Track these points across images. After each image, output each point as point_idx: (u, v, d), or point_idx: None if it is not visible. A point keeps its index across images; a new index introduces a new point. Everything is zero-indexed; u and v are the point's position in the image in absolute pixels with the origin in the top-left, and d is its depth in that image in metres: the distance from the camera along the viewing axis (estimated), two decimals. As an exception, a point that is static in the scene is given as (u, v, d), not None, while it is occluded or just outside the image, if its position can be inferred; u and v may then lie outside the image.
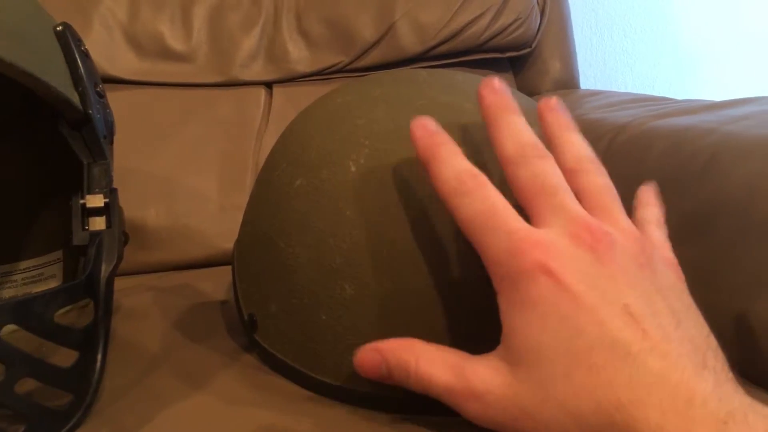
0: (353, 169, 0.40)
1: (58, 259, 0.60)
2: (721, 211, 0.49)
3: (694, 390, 0.27)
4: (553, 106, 0.37)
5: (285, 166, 0.44)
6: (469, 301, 0.38)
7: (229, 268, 0.71)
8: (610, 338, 0.29)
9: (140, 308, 0.57)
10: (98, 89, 0.47)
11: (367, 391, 0.39)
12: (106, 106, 0.48)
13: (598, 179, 0.35)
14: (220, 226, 0.77)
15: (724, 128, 0.55)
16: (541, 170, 0.33)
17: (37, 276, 0.59)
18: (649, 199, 0.41)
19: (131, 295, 0.61)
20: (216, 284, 0.63)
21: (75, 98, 0.44)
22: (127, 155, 0.77)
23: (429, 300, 0.38)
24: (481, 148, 0.40)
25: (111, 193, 0.44)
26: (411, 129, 0.36)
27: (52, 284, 0.59)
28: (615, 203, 0.34)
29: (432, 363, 0.34)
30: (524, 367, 0.30)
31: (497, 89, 0.36)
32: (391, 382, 0.35)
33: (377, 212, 0.39)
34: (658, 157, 0.57)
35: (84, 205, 0.43)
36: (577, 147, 0.36)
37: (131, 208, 0.74)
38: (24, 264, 0.59)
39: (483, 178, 0.33)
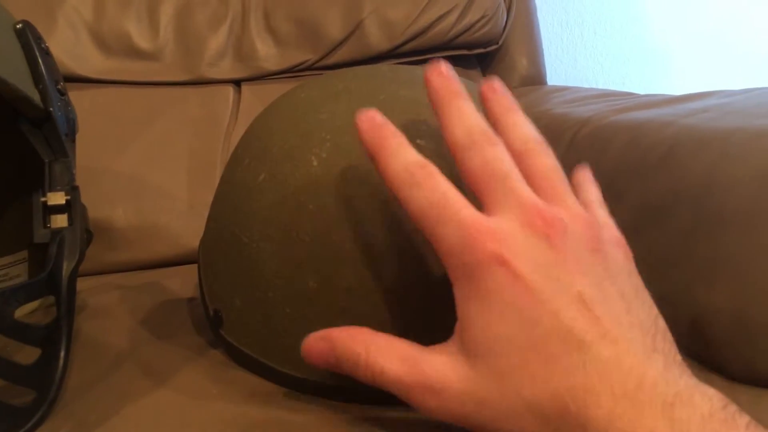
0: (315, 163, 0.41)
1: (23, 259, 0.59)
2: (677, 202, 0.50)
3: (644, 374, 0.28)
4: (496, 87, 0.37)
5: (248, 161, 0.45)
6: (431, 294, 0.38)
7: (195, 266, 0.72)
8: (564, 328, 0.29)
9: (106, 307, 0.56)
10: (59, 87, 0.47)
11: (335, 383, 0.40)
12: (67, 104, 0.48)
13: (546, 160, 0.34)
14: (189, 224, 0.77)
15: (682, 121, 0.56)
16: (491, 156, 0.33)
17: (2, 276, 0.58)
18: (585, 178, 0.41)
19: (97, 294, 0.60)
20: (183, 282, 0.63)
21: (35, 96, 0.44)
22: (94, 154, 0.76)
23: (391, 293, 0.38)
24: (441, 142, 0.41)
25: (73, 190, 0.43)
26: (357, 122, 0.35)
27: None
28: (563, 185, 0.34)
29: (383, 354, 0.33)
30: (481, 359, 0.31)
31: (444, 73, 0.35)
32: (340, 371, 0.35)
33: (339, 206, 0.39)
34: (618, 149, 0.58)
35: (45, 202, 0.43)
36: (523, 128, 0.35)
37: (98, 207, 0.74)
38: (-13, 264, 0.58)
39: (432, 168, 0.33)
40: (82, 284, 0.62)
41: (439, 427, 0.36)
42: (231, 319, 0.44)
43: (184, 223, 0.77)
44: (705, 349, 0.45)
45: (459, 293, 0.32)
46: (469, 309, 0.32)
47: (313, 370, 0.40)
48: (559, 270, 0.31)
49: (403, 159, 0.34)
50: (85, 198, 0.48)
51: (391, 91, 0.44)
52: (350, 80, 0.46)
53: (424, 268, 0.38)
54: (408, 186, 0.33)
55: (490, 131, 0.34)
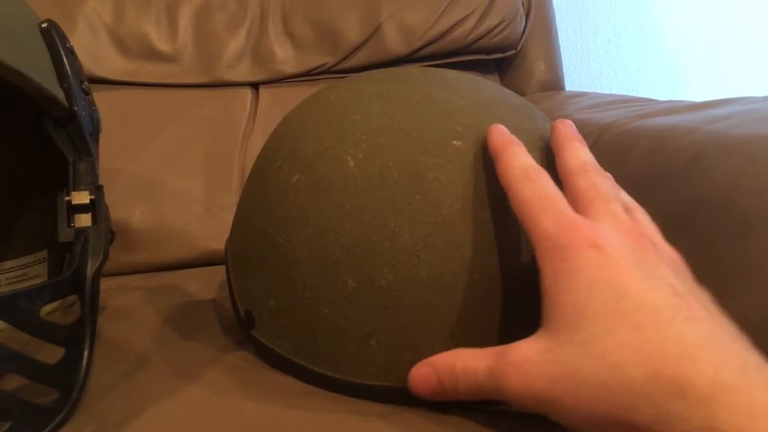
0: (352, 164, 0.41)
1: (43, 258, 0.59)
2: (702, 209, 0.49)
3: (746, 358, 0.28)
4: (567, 122, 0.42)
5: (281, 162, 0.45)
6: (471, 292, 0.39)
7: (215, 268, 0.72)
8: (654, 303, 0.30)
9: (126, 308, 0.56)
10: (84, 86, 0.47)
11: (370, 383, 0.40)
12: (91, 104, 0.48)
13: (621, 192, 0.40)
14: (206, 227, 0.77)
15: (706, 127, 0.56)
16: (600, 182, 0.37)
17: (21, 276, 0.58)
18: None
19: (117, 295, 0.60)
20: (203, 284, 0.63)
21: (60, 95, 0.44)
22: (112, 156, 0.76)
23: (431, 291, 0.38)
24: (476, 143, 0.41)
25: (97, 190, 0.43)
26: (489, 129, 0.40)
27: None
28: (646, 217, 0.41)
29: (474, 357, 0.36)
30: (565, 332, 0.32)
31: (568, 125, 0.42)
32: (443, 394, 0.37)
33: (378, 206, 0.39)
34: (641, 155, 0.58)
35: (69, 202, 0.43)
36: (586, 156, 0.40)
37: (116, 208, 0.73)
38: (8, 264, 0.58)
39: (545, 174, 0.37)
40: (100, 286, 0.63)
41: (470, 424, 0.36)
42: (264, 319, 0.44)
43: (201, 225, 0.77)
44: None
45: (548, 274, 0.34)
46: (557, 286, 0.33)
47: (350, 370, 0.40)
48: (651, 264, 0.32)
49: (522, 161, 0.38)
50: (104, 199, 0.48)
51: (425, 93, 0.44)
52: (381, 83, 0.46)
53: (464, 266, 0.38)
54: (521, 180, 0.37)
55: (600, 168, 0.39)
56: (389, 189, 0.40)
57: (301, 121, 0.47)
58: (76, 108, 0.45)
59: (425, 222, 0.39)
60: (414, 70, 0.49)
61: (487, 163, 0.41)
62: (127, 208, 0.75)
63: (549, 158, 0.44)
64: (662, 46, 1.31)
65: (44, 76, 0.43)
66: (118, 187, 0.76)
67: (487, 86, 0.48)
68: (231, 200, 0.78)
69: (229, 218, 0.78)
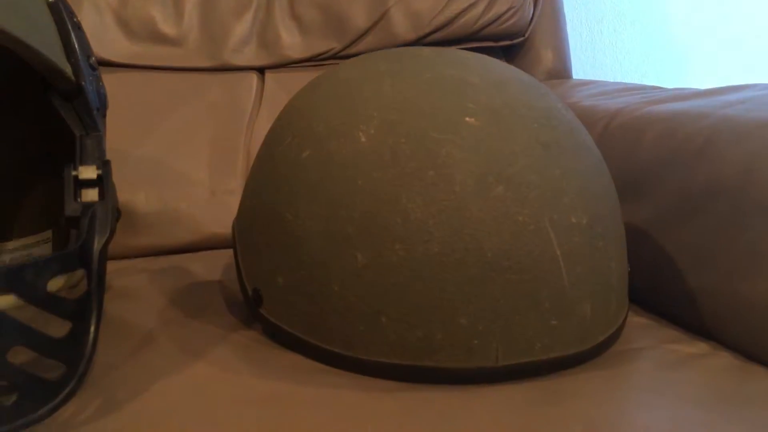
0: (363, 139, 0.40)
1: (47, 239, 0.59)
2: (716, 193, 0.49)
3: None
4: None
5: (290, 139, 0.44)
6: (483, 269, 0.38)
7: (221, 251, 0.71)
8: None
9: (132, 288, 0.56)
10: (91, 62, 0.46)
11: (377, 360, 0.39)
12: (98, 79, 0.47)
13: None
14: (210, 211, 0.76)
15: (719, 112, 0.55)
16: None
17: (26, 256, 0.58)
18: None
19: (121, 276, 0.60)
20: (208, 266, 0.62)
21: (67, 69, 0.43)
22: (117, 138, 0.76)
23: (443, 268, 0.38)
24: (489, 121, 0.41)
25: (104, 165, 0.43)
26: None
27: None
28: None
29: None
30: None
31: None
32: None
33: (389, 182, 0.39)
34: (652, 140, 0.57)
35: (76, 176, 0.42)
36: None
37: (121, 191, 0.73)
38: (12, 244, 0.58)
39: None
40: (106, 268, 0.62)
41: (476, 408, 0.35)
42: (272, 297, 0.43)
43: (206, 209, 0.76)
44: (750, 340, 0.44)
45: None
46: None
47: (360, 347, 0.40)
48: None
49: None
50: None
51: (437, 71, 0.44)
52: (393, 61, 0.46)
53: (477, 243, 0.38)
54: None
55: None
56: (401, 165, 0.39)
57: (312, 99, 0.46)
58: (83, 82, 0.44)
59: (438, 198, 0.39)
60: (426, 49, 0.48)
61: (500, 140, 0.40)
62: (132, 192, 0.74)
63: (565, 134, 0.43)
64: (669, 36, 1.30)
65: (52, 50, 0.43)
66: (123, 170, 0.75)
67: (498, 65, 0.47)
68: (236, 184, 0.77)
69: (234, 202, 0.78)
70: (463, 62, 0.45)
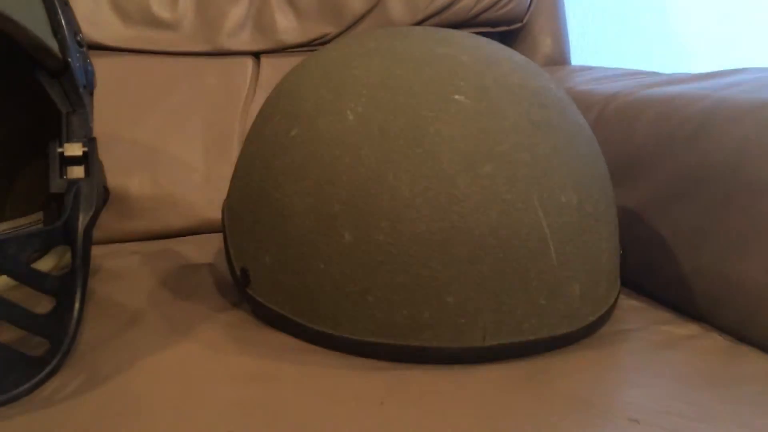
0: (351, 117, 0.40)
1: (38, 221, 0.58)
2: (711, 174, 0.48)
3: None
4: None
5: (278, 118, 0.44)
6: (471, 247, 0.38)
7: (213, 235, 0.71)
8: None
9: (121, 270, 0.55)
10: (78, 38, 0.46)
11: (364, 339, 0.39)
12: (86, 56, 0.47)
13: None
14: (205, 196, 0.76)
15: (715, 94, 0.54)
16: None
17: (16, 237, 0.57)
18: None
19: (113, 258, 0.60)
20: (200, 250, 0.62)
21: (54, 46, 0.43)
22: (111, 122, 0.76)
23: (430, 246, 0.37)
24: (479, 98, 0.40)
25: (90, 142, 0.42)
26: None
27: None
28: None
29: None
30: None
31: None
32: None
33: (377, 160, 0.38)
34: (649, 122, 0.57)
35: (62, 153, 0.42)
36: None
37: (114, 176, 0.73)
38: (2, 226, 0.58)
39: None
40: (96, 251, 0.62)
41: (462, 387, 0.35)
42: (259, 277, 0.43)
43: (200, 194, 0.76)
44: (741, 321, 0.43)
45: None
46: None
47: (346, 326, 0.39)
48: None
49: None
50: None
51: (427, 48, 0.43)
52: (383, 39, 0.45)
53: (464, 221, 0.38)
54: None
55: None
56: (389, 142, 0.39)
57: (300, 78, 0.46)
58: (69, 59, 0.43)
59: (425, 175, 0.38)
60: (417, 28, 0.48)
61: (489, 118, 0.40)
62: (126, 176, 0.74)
63: (557, 113, 0.42)
64: (672, 24, 1.29)
65: (38, 27, 0.42)
66: (117, 154, 0.75)
67: (491, 45, 0.47)
68: (230, 170, 0.77)
69: (227, 188, 0.78)
70: (454, 41, 0.45)
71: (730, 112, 0.51)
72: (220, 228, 0.74)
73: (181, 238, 0.70)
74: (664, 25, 1.30)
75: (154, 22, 0.82)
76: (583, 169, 0.42)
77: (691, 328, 0.44)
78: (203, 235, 0.70)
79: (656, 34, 1.30)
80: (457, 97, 0.40)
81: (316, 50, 0.86)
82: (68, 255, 0.52)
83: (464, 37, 0.47)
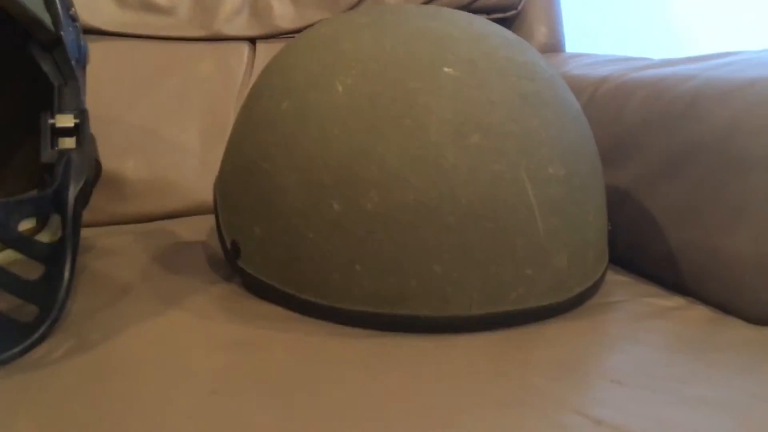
0: (340, 89, 0.40)
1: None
2: (701, 150, 0.49)
3: None
4: None
5: (270, 92, 0.44)
6: (458, 216, 0.38)
7: (207, 216, 0.71)
8: None
9: (115, 247, 0.56)
10: (71, 12, 0.46)
11: (352, 308, 0.39)
12: (78, 31, 0.47)
13: None
14: (200, 180, 0.76)
15: (705, 74, 0.55)
16: None
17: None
18: None
19: (106, 238, 0.60)
20: (193, 229, 0.62)
21: (47, 19, 0.43)
22: (107, 106, 0.76)
23: (418, 215, 0.38)
24: (468, 70, 0.40)
25: (81, 114, 0.43)
26: None
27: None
28: None
29: None
30: None
31: None
32: None
33: (366, 130, 0.39)
34: (639, 102, 0.57)
35: (53, 125, 0.42)
36: None
37: (110, 158, 0.73)
38: (-4, 204, 0.58)
39: None
40: (90, 231, 0.62)
41: (447, 354, 0.35)
42: (250, 249, 0.43)
43: (195, 179, 0.76)
44: (727, 294, 0.44)
45: None
46: None
47: (334, 296, 0.40)
48: None
49: None
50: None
51: (419, 24, 0.43)
52: (374, 15, 0.45)
53: (452, 190, 0.38)
54: None
55: None
56: (378, 114, 0.39)
57: (291, 54, 0.46)
58: (62, 33, 0.44)
59: (414, 146, 0.38)
60: (408, 5, 0.48)
61: (478, 90, 0.40)
62: (121, 159, 0.74)
63: (545, 87, 0.43)
64: (667, 13, 1.29)
65: (31, 0, 0.42)
66: (112, 137, 0.75)
67: (483, 22, 0.47)
68: (225, 153, 0.77)
69: (223, 172, 0.78)
70: (445, 17, 0.45)
71: (719, 90, 0.51)
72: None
73: (174, 219, 0.70)
74: (661, 13, 1.30)
75: (151, 7, 0.82)
76: (571, 142, 0.42)
77: (677, 301, 0.45)
78: (197, 216, 0.70)
79: (652, 22, 1.30)
80: (446, 69, 0.41)
81: (311, 36, 0.87)
82: (55, 223, 0.52)
83: (455, 13, 0.47)
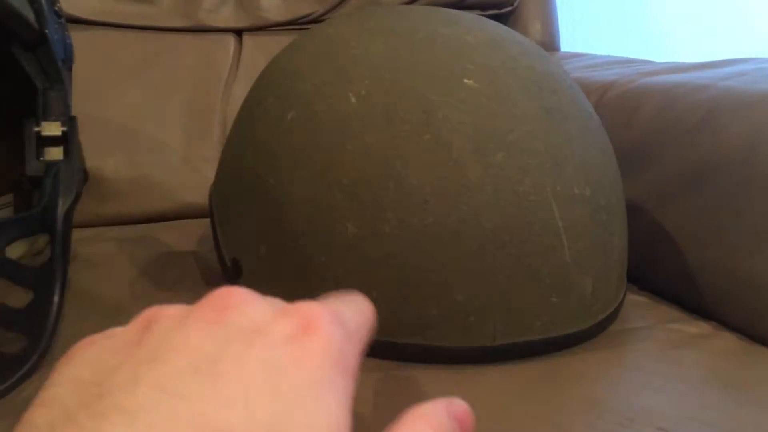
0: (353, 100, 0.37)
1: (8, 203, 0.55)
2: (720, 166, 0.47)
3: None
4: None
5: (273, 100, 0.41)
6: (481, 241, 0.35)
7: (196, 221, 0.67)
8: None
9: (100, 257, 0.52)
10: (56, 8, 0.43)
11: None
12: (64, 28, 0.43)
13: None
14: (184, 178, 0.72)
15: (720, 84, 0.53)
16: None
17: (-16, 221, 0.54)
18: None
19: (89, 244, 0.56)
20: (182, 236, 0.59)
21: (30, 15, 0.40)
22: (85, 101, 0.71)
23: (438, 240, 0.35)
24: (489, 82, 0.38)
25: (69, 121, 0.39)
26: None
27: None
28: None
29: None
30: None
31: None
32: None
33: (383, 146, 0.36)
34: (650, 112, 0.55)
35: (39, 133, 0.38)
36: None
37: (89, 157, 0.68)
38: (-31, 208, 0.54)
39: None
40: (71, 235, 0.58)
41: (470, 389, 0.33)
42: (252, 268, 0.40)
43: (179, 177, 0.73)
44: (752, 319, 0.42)
45: None
46: None
47: None
48: None
49: None
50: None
51: (430, 29, 0.41)
52: (383, 18, 0.43)
53: (475, 213, 0.35)
54: None
55: None
56: (395, 128, 0.36)
57: (296, 57, 0.43)
58: (46, 30, 0.40)
59: (434, 164, 0.36)
60: (417, 7, 0.46)
61: (500, 103, 0.38)
62: (101, 157, 0.70)
63: (568, 100, 0.40)
64: (659, 11, 1.28)
65: (12, -6, 0.39)
66: (91, 134, 0.70)
67: (494, 26, 0.44)
68: (211, 152, 0.73)
69: (209, 170, 0.74)
70: (456, 20, 0.43)
71: (737, 102, 0.49)
72: (202, 213, 0.71)
73: (162, 223, 0.67)
74: (655, 13, 1.29)
75: (131, -5, 0.78)
76: (595, 159, 0.40)
77: (702, 327, 0.43)
78: (185, 221, 0.67)
79: (645, 21, 1.29)
80: (466, 81, 0.38)
81: (301, 29, 0.83)
82: (41, 240, 0.49)
83: (467, 17, 0.44)
